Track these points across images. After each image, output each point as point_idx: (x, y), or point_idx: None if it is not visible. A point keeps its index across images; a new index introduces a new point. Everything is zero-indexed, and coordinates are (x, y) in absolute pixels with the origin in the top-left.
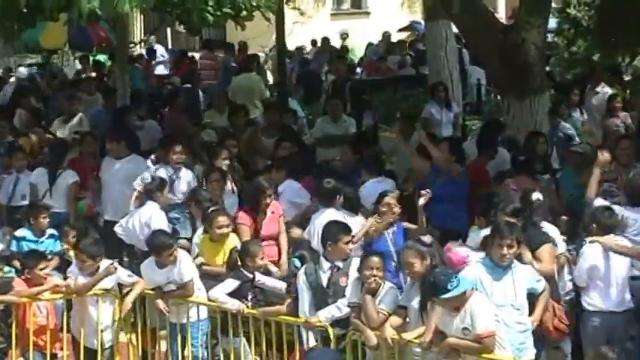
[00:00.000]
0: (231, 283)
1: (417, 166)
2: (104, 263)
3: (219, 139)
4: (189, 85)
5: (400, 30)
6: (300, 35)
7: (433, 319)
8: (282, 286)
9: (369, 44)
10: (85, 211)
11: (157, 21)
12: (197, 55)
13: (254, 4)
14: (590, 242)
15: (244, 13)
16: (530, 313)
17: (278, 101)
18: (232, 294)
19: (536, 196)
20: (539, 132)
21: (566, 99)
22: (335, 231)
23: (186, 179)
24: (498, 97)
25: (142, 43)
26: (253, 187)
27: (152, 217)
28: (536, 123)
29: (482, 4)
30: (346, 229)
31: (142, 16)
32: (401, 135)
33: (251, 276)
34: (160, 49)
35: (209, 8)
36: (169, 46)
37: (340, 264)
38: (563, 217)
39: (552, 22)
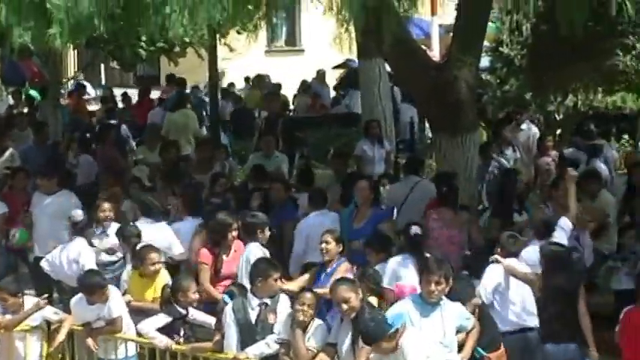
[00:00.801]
0: (162, 319)
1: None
2: (29, 299)
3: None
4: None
5: (335, 67)
6: (233, 72)
7: (363, 355)
8: (211, 320)
9: (303, 81)
10: (26, 239)
11: (90, 57)
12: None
13: (187, 39)
14: (493, 261)
15: (177, 48)
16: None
17: (210, 137)
18: (163, 330)
19: (415, 230)
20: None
21: (498, 136)
22: (264, 267)
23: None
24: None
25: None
26: (218, 223)
27: (80, 253)
28: (467, 160)
29: (414, 43)
30: (275, 265)
31: (76, 52)
32: (335, 172)
33: (184, 312)
34: (88, 86)
35: (142, 44)
36: (103, 82)
37: (268, 301)
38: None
39: (485, 61)
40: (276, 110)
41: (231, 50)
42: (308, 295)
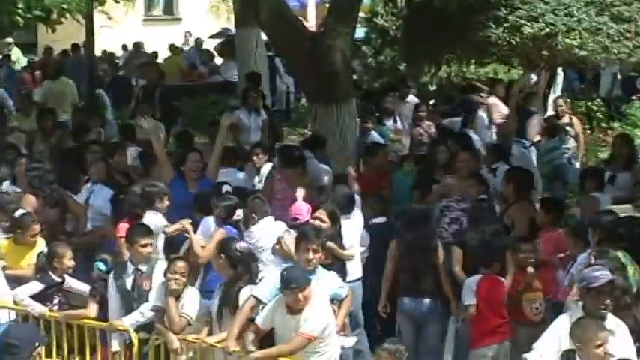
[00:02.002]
0: (36, 286)
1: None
2: None
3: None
4: None
5: (211, 37)
6: (110, 40)
7: (236, 325)
8: (86, 288)
9: (171, 45)
10: None
11: None
12: None
13: (64, 6)
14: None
15: (54, 15)
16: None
17: (86, 105)
18: (37, 297)
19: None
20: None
21: (377, 107)
22: (135, 232)
23: None
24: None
25: None
26: (135, 196)
27: None
28: (342, 129)
29: (290, 13)
30: (147, 231)
31: None
32: (210, 141)
33: (58, 280)
34: None
35: (19, 11)
36: None
37: (143, 267)
38: None
39: (361, 32)
40: (153, 79)
41: (109, 18)
42: (180, 263)
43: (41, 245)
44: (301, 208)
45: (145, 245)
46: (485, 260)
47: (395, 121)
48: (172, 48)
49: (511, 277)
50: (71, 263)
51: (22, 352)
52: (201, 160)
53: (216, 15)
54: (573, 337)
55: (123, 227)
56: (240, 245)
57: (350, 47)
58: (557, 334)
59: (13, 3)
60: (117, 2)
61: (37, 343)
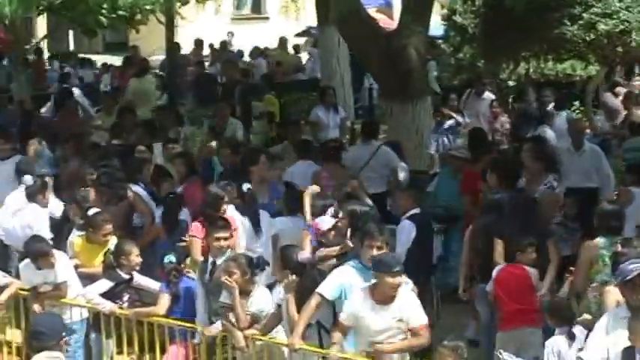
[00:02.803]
0: (105, 284)
1: None
2: None
3: None
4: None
5: (297, 35)
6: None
7: (301, 323)
8: (156, 286)
9: (265, 49)
10: None
11: (54, 23)
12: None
13: (148, 7)
14: None
15: (139, 16)
16: None
17: (169, 104)
18: (106, 295)
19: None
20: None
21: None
22: (212, 226)
23: None
24: None
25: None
26: (211, 196)
27: (34, 219)
28: (417, 127)
29: (364, 12)
30: (223, 225)
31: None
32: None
33: (126, 276)
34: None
35: (104, 11)
36: (71, 48)
37: (219, 261)
38: None
39: (440, 30)
40: (233, 77)
41: (182, 18)
42: (231, 263)
43: (111, 243)
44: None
45: (219, 239)
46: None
47: (463, 116)
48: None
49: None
50: (138, 260)
51: (50, 339)
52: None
53: (286, 16)
54: (632, 332)
55: (196, 227)
56: (302, 256)
57: (424, 45)
58: (603, 332)
59: (98, 4)
60: (199, 2)
61: (63, 333)
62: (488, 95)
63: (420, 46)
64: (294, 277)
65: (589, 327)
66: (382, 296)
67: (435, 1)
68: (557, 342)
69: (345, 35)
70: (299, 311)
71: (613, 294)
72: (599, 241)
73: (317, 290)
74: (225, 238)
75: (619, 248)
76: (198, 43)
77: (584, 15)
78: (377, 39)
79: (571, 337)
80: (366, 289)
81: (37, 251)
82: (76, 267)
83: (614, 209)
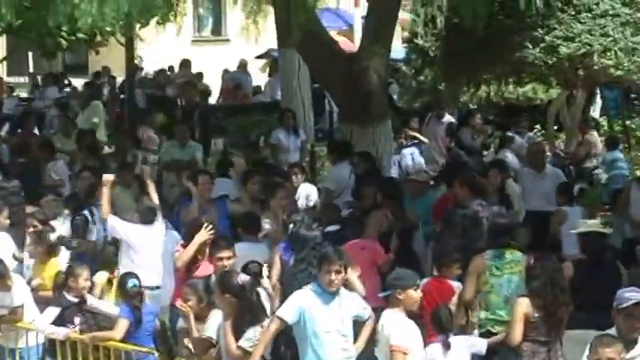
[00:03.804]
0: (53, 311)
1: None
2: None
3: None
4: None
5: (257, 57)
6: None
7: (261, 347)
8: (114, 311)
9: (225, 71)
10: None
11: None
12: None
13: (108, 29)
14: None
15: (99, 38)
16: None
17: (127, 127)
18: (57, 320)
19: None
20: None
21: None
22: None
23: None
24: None
25: None
26: (193, 221)
27: None
28: (378, 150)
29: (326, 34)
30: (225, 245)
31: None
32: (245, 160)
33: (74, 300)
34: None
35: (63, 34)
36: (30, 70)
37: None
38: None
39: (401, 52)
40: (192, 99)
41: (142, 40)
42: (186, 289)
43: (60, 263)
44: None
45: (222, 259)
46: None
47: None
48: None
49: None
50: (87, 284)
51: None
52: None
53: (247, 38)
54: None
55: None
56: (242, 278)
57: (385, 68)
58: None
59: (57, 26)
60: (159, 24)
61: None
62: (448, 118)
63: (381, 68)
64: (233, 299)
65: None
66: (412, 307)
67: (396, 24)
68: (432, 350)
69: (306, 57)
70: (236, 336)
71: (522, 305)
72: (487, 253)
73: (277, 314)
74: (228, 257)
75: (531, 262)
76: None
77: (546, 38)
78: (337, 61)
79: (446, 346)
80: (396, 311)
81: None
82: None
83: (502, 223)
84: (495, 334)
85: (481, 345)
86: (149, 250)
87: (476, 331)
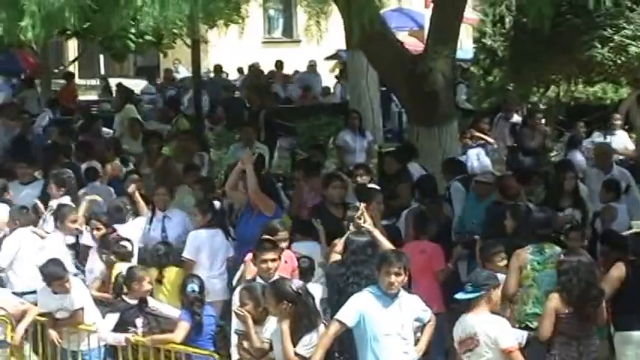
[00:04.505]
0: (112, 318)
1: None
2: None
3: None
4: None
5: (327, 58)
6: (232, 62)
7: (320, 351)
8: (174, 313)
9: (295, 72)
10: None
11: (82, 48)
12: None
13: (175, 31)
14: None
15: (166, 40)
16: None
17: (191, 128)
18: (119, 326)
19: None
20: (568, 164)
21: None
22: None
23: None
24: None
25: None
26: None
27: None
28: (444, 151)
29: (390, 35)
30: (270, 247)
31: (76, 43)
32: None
33: (132, 302)
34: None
35: (131, 36)
36: (102, 72)
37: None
38: None
39: (469, 52)
40: (256, 101)
41: (206, 42)
42: (244, 292)
43: (120, 267)
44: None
45: (266, 260)
46: None
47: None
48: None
49: None
50: (149, 287)
51: None
52: None
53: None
54: None
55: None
56: (296, 284)
57: (451, 68)
58: None
59: (124, 28)
60: (226, 26)
61: None
62: (517, 119)
63: (446, 69)
64: (289, 305)
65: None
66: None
67: (461, 24)
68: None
69: (370, 58)
70: (293, 341)
71: (552, 300)
72: (529, 247)
73: (336, 317)
74: (273, 260)
75: (562, 257)
76: (218, 69)
77: (615, 37)
78: (402, 62)
79: None
80: (487, 313)
81: (51, 274)
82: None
83: (542, 217)
84: (533, 329)
85: (522, 337)
86: None
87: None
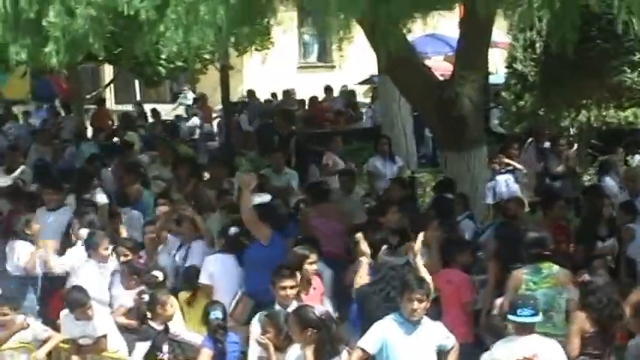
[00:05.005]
0: (142, 347)
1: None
2: (18, 317)
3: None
4: None
5: (360, 83)
6: (267, 87)
7: None
8: (197, 339)
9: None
10: None
11: (114, 74)
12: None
13: (206, 57)
14: None
15: (197, 66)
16: None
17: (222, 154)
18: (149, 352)
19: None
20: (598, 190)
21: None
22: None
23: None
24: None
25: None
26: (294, 255)
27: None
28: (472, 176)
29: (417, 60)
30: (288, 274)
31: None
32: (341, 187)
33: (158, 327)
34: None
35: (162, 62)
36: (137, 98)
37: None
38: None
39: (500, 77)
40: (285, 127)
41: (231, 68)
42: (266, 320)
43: None
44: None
45: (285, 287)
46: None
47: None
48: None
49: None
50: (173, 311)
51: None
52: None
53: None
54: None
55: None
56: (319, 310)
57: (479, 93)
58: None
59: (156, 54)
60: (258, 51)
61: None
62: (548, 144)
63: (473, 94)
64: (313, 331)
65: None
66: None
67: (488, 49)
68: None
69: (398, 84)
70: None
71: (579, 319)
72: (525, 267)
73: (358, 344)
74: (292, 287)
75: (586, 277)
76: (251, 94)
77: None
78: (430, 88)
79: None
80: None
81: (73, 301)
82: None
83: (535, 237)
84: None
85: None
86: None
87: None
